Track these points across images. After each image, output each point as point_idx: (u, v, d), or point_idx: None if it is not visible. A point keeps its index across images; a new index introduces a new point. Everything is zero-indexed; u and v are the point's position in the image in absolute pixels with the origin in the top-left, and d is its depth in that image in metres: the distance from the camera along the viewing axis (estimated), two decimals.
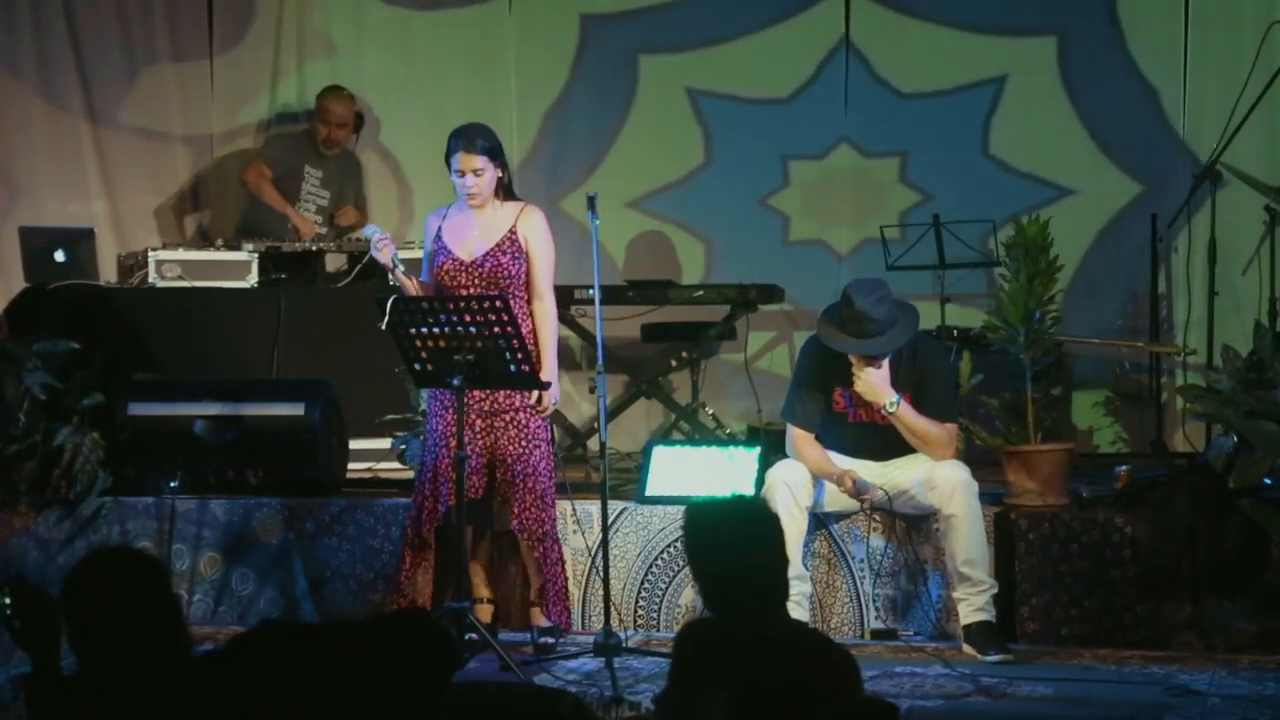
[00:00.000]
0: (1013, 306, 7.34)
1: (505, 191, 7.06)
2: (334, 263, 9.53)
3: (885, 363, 6.96)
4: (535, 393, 6.91)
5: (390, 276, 7.06)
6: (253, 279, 8.98)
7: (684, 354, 9.41)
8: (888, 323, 6.95)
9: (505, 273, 6.95)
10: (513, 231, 6.99)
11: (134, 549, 4.83)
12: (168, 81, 10.39)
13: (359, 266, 9.11)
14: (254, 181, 9.83)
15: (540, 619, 7.07)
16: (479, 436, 6.94)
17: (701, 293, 9.36)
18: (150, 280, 8.87)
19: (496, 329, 6.55)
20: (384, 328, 6.65)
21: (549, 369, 6.94)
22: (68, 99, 10.09)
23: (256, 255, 9.02)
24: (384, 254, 6.98)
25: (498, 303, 6.59)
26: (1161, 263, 9.46)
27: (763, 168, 10.21)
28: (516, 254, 6.97)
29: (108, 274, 9.33)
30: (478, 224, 7.03)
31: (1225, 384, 7.19)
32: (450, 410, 6.91)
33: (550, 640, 7.02)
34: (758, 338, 9.65)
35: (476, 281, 6.95)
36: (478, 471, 6.92)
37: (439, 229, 7.07)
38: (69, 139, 10.09)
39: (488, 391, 6.89)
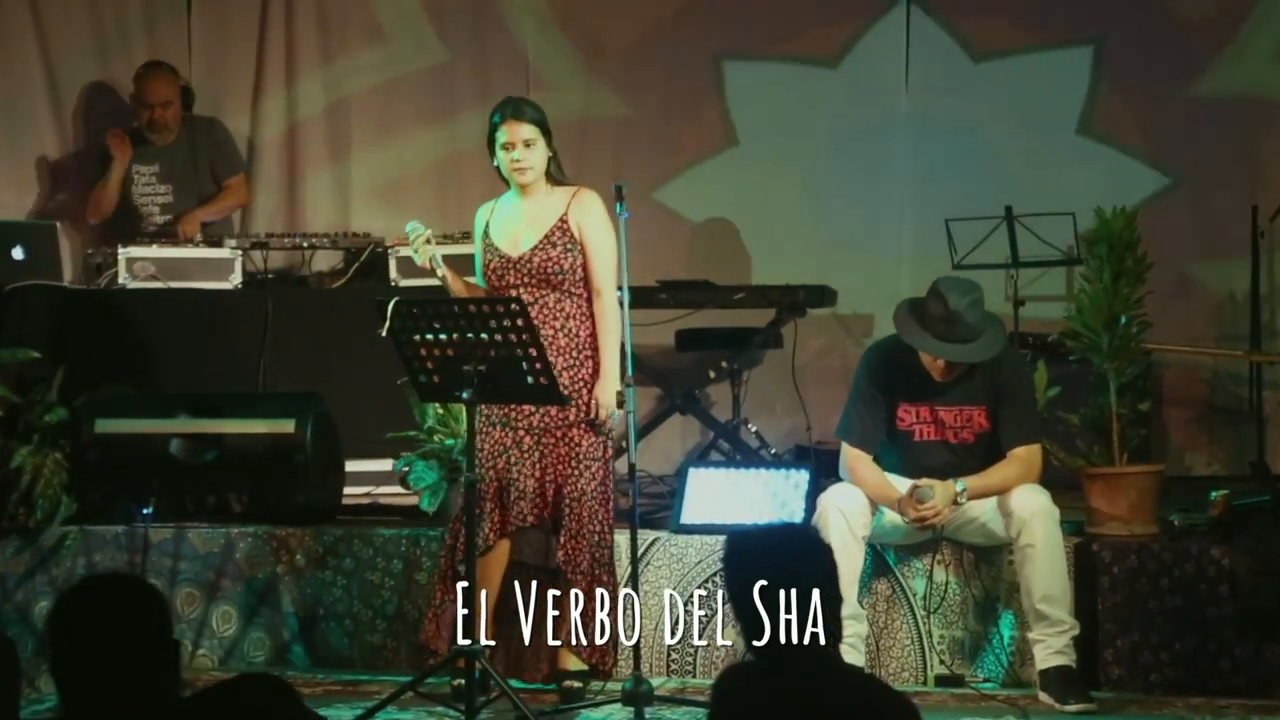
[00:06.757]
0: (1095, 310, 7.32)
1: (554, 175, 7.06)
2: (329, 260, 9.52)
3: (936, 495, 6.91)
4: (594, 407, 6.90)
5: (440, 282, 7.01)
6: (236, 279, 8.98)
7: (723, 364, 9.41)
8: (977, 330, 6.93)
9: (556, 267, 6.94)
10: (563, 220, 6.97)
11: (133, 576, 4.80)
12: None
13: (356, 265, 9.11)
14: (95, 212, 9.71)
15: (569, 661, 7.03)
16: (526, 456, 6.94)
17: (743, 295, 9.34)
18: (120, 281, 8.87)
19: (512, 336, 6.51)
20: (385, 334, 6.63)
21: (609, 376, 6.92)
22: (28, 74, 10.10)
23: (240, 253, 9.01)
24: (422, 254, 6.92)
25: (514, 306, 6.56)
26: (1263, 261, 9.43)
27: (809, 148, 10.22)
28: (569, 245, 6.95)
29: (72, 273, 9.35)
30: (525, 214, 7.02)
31: None
32: (497, 427, 6.94)
33: (578, 685, 6.99)
34: (807, 346, 9.62)
35: (526, 279, 6.95)
36: (526, 497, 6.92)
37: (486, 224, 7.08)
38: (28, 122, 10.10)
39: (537, 406, 6.87)
